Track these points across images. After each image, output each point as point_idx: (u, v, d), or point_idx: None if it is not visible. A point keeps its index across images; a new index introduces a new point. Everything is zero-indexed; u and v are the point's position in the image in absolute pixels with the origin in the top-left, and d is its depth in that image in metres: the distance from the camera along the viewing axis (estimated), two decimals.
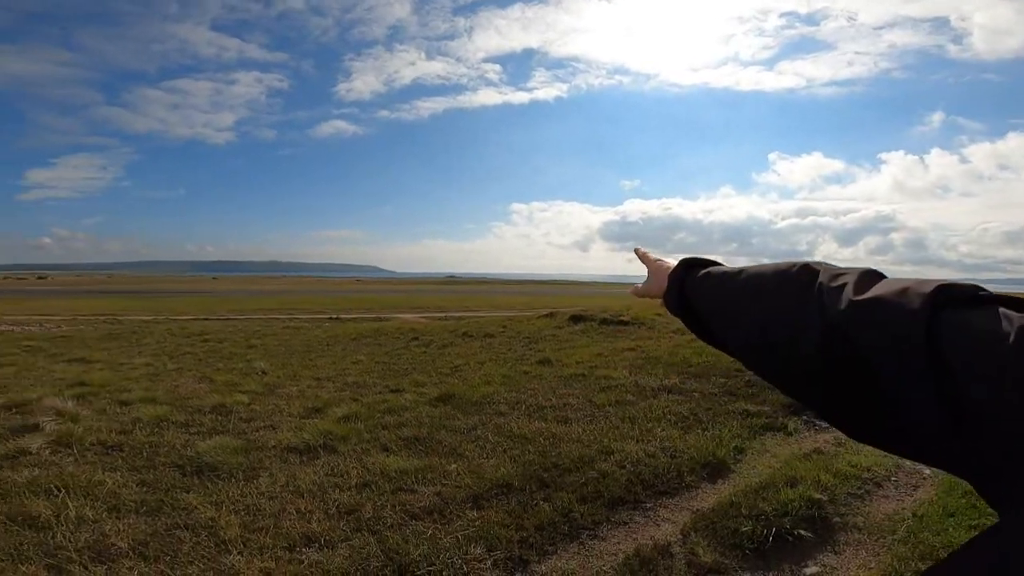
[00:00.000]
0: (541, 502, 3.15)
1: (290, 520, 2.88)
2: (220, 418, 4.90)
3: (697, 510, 3.17)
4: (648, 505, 3.26)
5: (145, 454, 3.92)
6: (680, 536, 2.86)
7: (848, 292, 0.44)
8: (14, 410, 5.11)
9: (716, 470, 3.74)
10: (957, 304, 0.39)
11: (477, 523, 2.90)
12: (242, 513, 2.97)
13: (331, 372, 7.54)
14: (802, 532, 2.80)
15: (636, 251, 0.88)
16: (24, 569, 2.44)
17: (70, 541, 2.65)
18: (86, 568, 2.46)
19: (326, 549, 2.64)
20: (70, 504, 2.98)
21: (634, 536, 2.92)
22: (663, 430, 4.45)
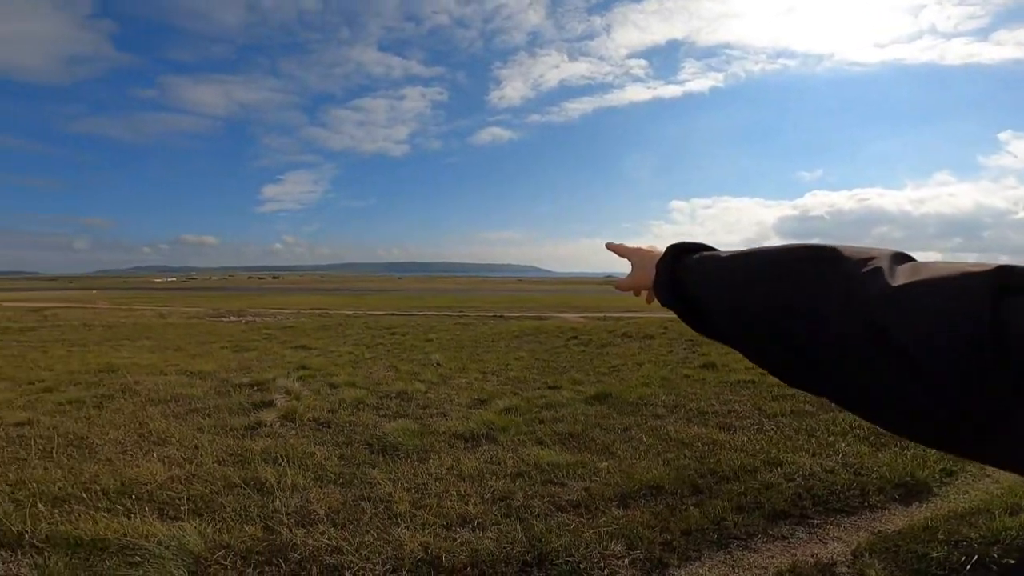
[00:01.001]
0: (691, 507, 3.08)
1: (451, 501, 3.19)
2: (402, 403, 5.62)
3: (879, 531, 2.82)
4: (816, 521, 2.99)
5: (346, 432, 4.62)
6: (850, 556, 2.58)
7: (883, 277, 0.39)
8: (256, 387, 6.48)
9: (913, 492, 3.27)
10: (1022, 290, 0.33)
11: (621, 521, 2.94)
12: (412, 491, 3.35)
13: (495, 367, 8.09)
14: (1011, 561, 2.33)
15: (608, 246, 0.79)
16: (247, 529, 2.83)
17: (284, 505, 3.09)
18: (291, 530, 2.80)
19: (477, 531, 2.88)
20: (289, 473, 3.58)
21: (792, 552, 2.71)
22: (848, 445, 4.00)
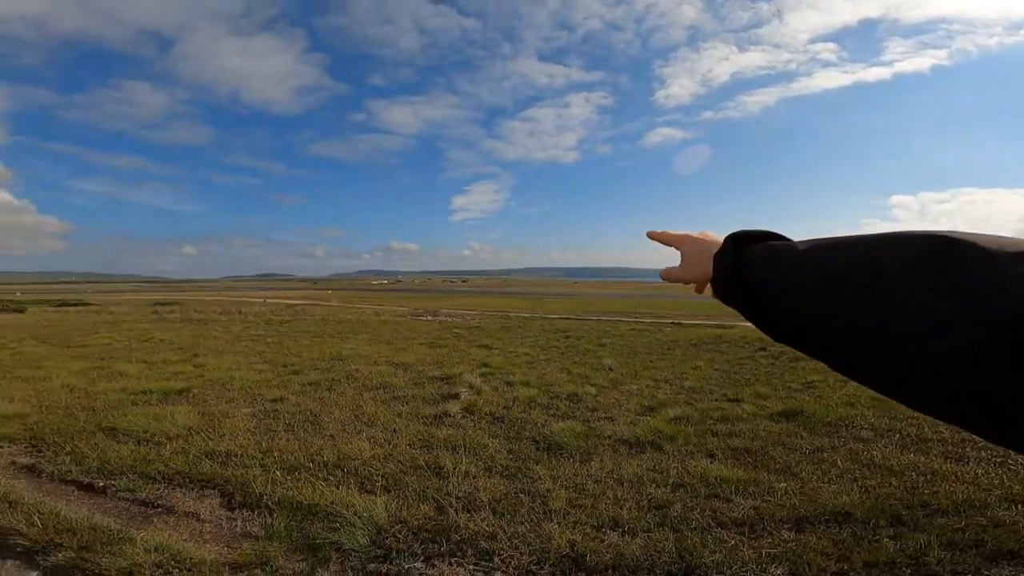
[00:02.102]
0: (885, 539, 2.66)
1: (606, 503, 3.22)
2: (572, 405, 5.79)
3: None
4: None
5: (516, 427, 4.92)
6: None
7: None
8: (445, 381, 7.26)
9: None
10: None
11: (790, 544, 2.67)
12: (570, 489, 3.44)
13: (669, 375, 7.82)
14: None
15: (649, 234, 0.71)
16: (422, 508, 3.12)
17: (455, 489, 3.35)
18: (457, 513, 3.03)
19: (627, 535, 2.85)
20: (464, 461, 3.94)
21: None
22: None
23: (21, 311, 25.58)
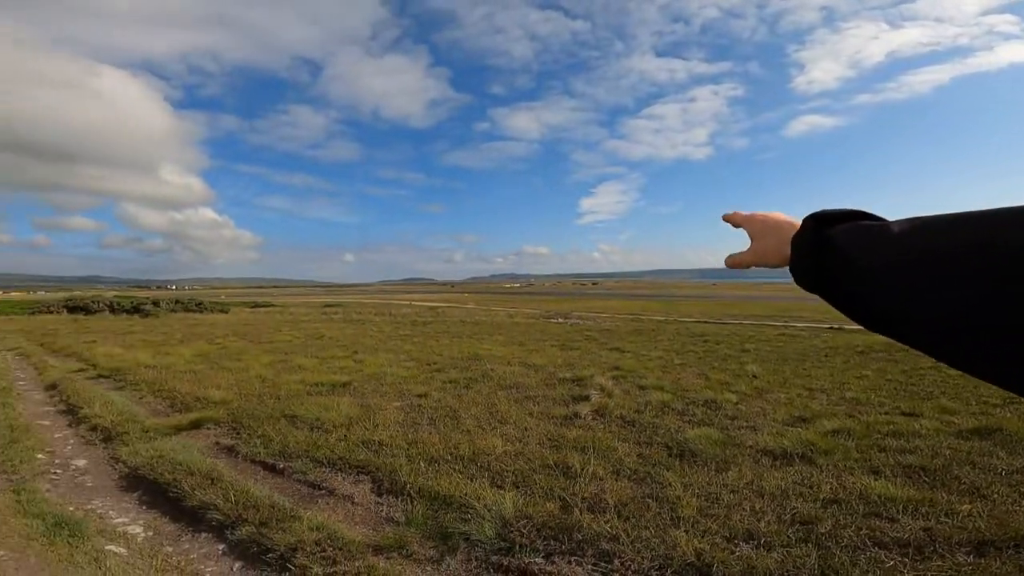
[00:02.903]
0: None
1: (740, 515, 3.00)
2: (709, 412, 5.48)
3: None
4: None
5: (648, 432, 4.79)
6: None
7: None
8: (576, 383, 7.30)
9: None
10: None
11: (965, 569, 2.29)
12: (702, 498, 3.27)
13: (827, 384, 7.03)
14: None
15: (724, 217, 0.66)
16: (548, 505, 3.14)
17: (582, 490, 3.36)
18: (582, 513, 3.03)
19: (761, 549, 2.64)
20: (592, 462, 3.94)
21: None
22: None
23: (225, 312, 30.86)
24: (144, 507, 3.50)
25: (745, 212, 0.63)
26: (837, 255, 0.48)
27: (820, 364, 8.99)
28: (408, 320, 25.57)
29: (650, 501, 3.28)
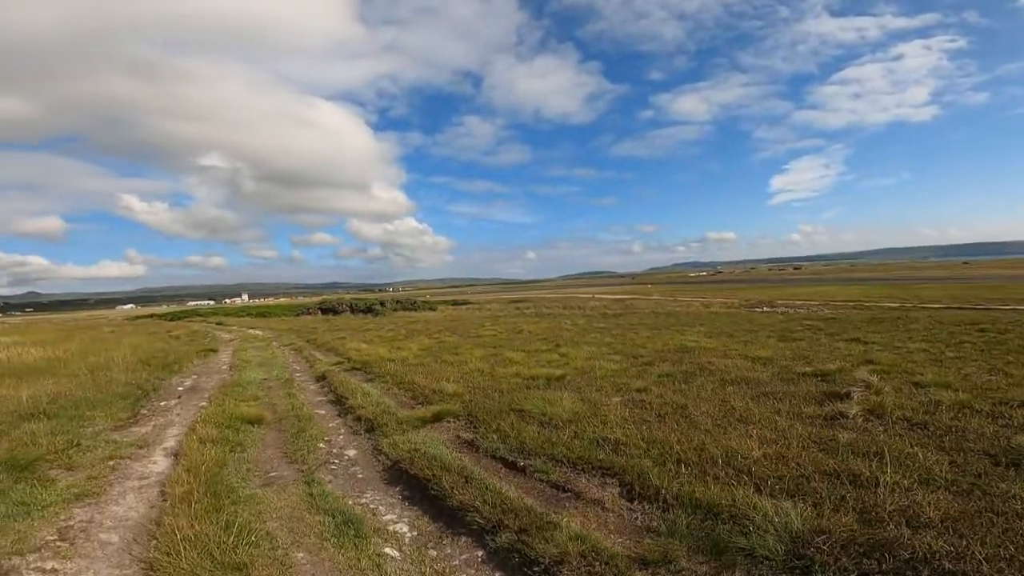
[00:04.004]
0: None
1: None
2: None
3: None
4: None
5: (951, 437, 3.91)
6: None
7: None
8: (819, 378, 6.29)
9: None
10: None
11: None
12: None
13: None
14: None
15: None
16: (842, 518, 2.79)
17: (884, 502, 2.92)
18: (897, 528, 2.65)
19: None
20: (887, 470, 3.31)
21: None
22: None
23: (434, 309, 34.53)
24: (407, 503, 3.71)
25: None
26: None
27: None
28: (598, 313, 25.54)
29: (989, 515, 2.72)
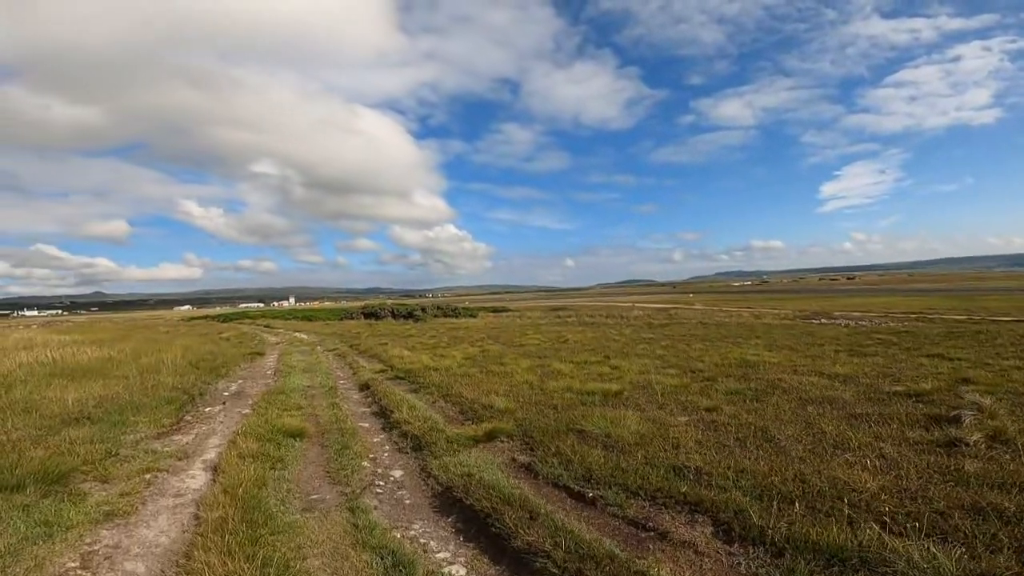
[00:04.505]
0: None
1: None
2: None
3: None
4: None
5: None
6: None
7: None
8: (915, 399, 5.57)
9: None
10: None
11: None
12: None
13: None
14: None
15: None
16: (996, 559, 2.45)
17: None
18: None
19: None
20: None
21: None
22: None
23: (474, 316, 34.33)
24: (461, 538, 3.28)
25: None
26: None
27: None
28: (642, 322, 24.68)
29: None
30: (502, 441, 4.85)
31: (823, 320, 25.94)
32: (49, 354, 10.51)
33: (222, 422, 5.97)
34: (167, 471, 4.21)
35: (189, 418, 6.17)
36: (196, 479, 4.09)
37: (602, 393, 6.52)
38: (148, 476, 4.05)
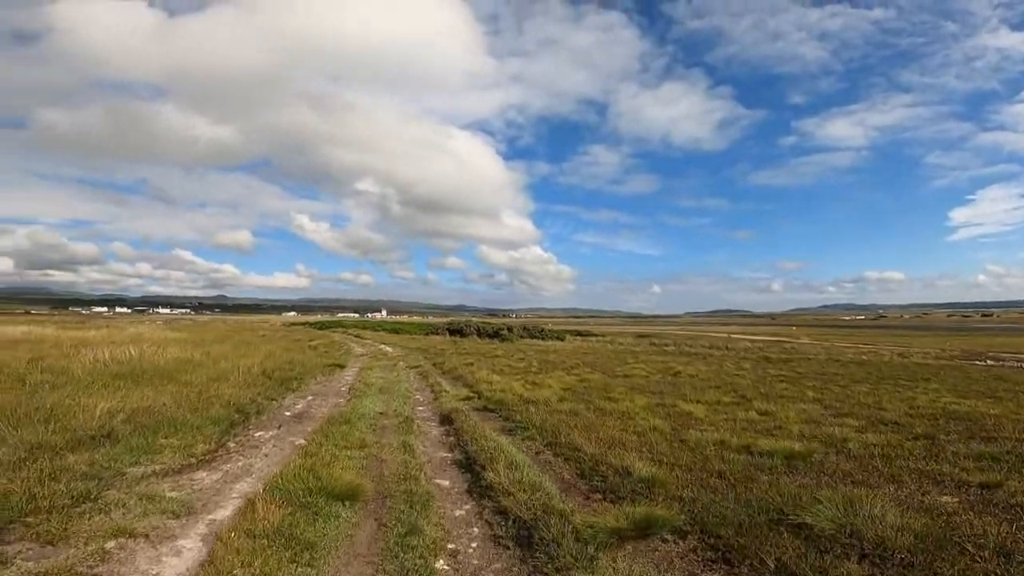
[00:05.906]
0: None
1: None
2: None
3: None
4: None
5: None
6: None
7: None
8: None
9: None
10: None
11: None
12: None
13: None
14: None
15: None
16: None
17: None
18: None
19: None
20: None
21: None
22: None
23: (561, 339, 32.49)
24: None
25: None
26: None
27: None
28: (753, 356, 21.60)
29: None
30: (665, 540, 2.98)
31: (989, 361, 21.40)
32: (130, 351, 10.08)
33: (266, 455, 4.64)
34: (144, 537, 2.78)
35: (232, 444, 4.93)
36: (178, 560, 2.63)
37: (784, 454, 4.51)
38: (111, 545, 2.65)
